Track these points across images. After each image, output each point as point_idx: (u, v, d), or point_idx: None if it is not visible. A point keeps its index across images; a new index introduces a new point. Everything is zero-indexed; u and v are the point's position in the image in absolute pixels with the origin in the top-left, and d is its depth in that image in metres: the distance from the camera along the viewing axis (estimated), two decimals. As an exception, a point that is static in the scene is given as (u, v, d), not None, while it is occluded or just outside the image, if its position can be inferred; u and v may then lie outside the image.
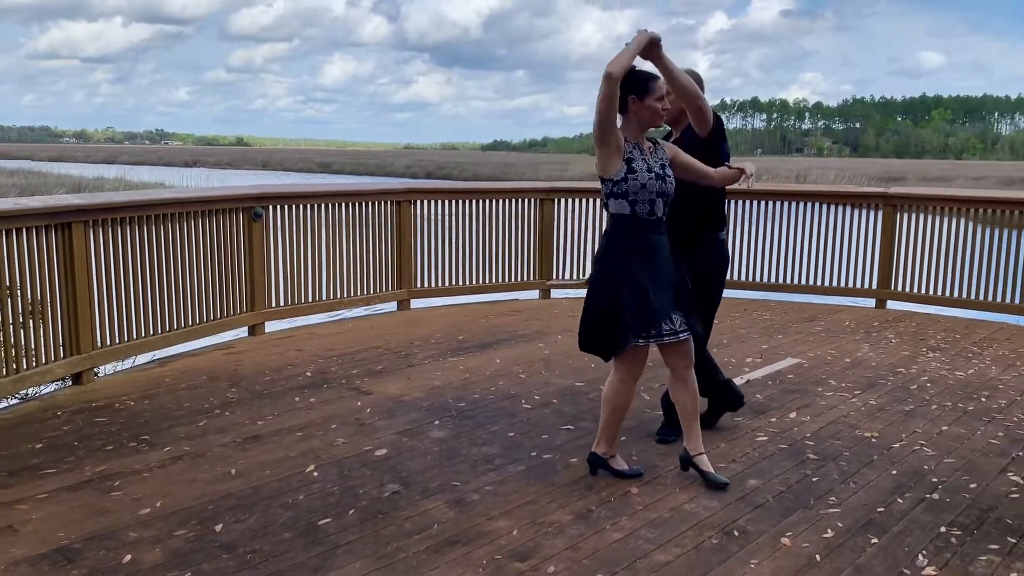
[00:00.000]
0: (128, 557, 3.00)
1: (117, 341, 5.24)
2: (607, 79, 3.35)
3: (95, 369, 5.24)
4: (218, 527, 3.24)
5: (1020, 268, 7.08)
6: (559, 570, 2.94)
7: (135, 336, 5.35)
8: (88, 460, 3.89)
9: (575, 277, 8.00)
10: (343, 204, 6.81)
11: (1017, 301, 7.10)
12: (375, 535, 3.19)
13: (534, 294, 8.01)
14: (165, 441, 4.14)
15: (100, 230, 5.06)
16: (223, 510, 3.39)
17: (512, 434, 4.30)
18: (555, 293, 8.02)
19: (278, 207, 6.37)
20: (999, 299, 7.19)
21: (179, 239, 5.58)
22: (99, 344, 5.13)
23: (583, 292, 8.12)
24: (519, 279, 7.87)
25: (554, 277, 7.96)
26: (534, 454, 4.04)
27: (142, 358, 5.77)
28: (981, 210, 7.44)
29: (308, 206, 6.56)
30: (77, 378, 5.05)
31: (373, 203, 7.03)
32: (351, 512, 3.38)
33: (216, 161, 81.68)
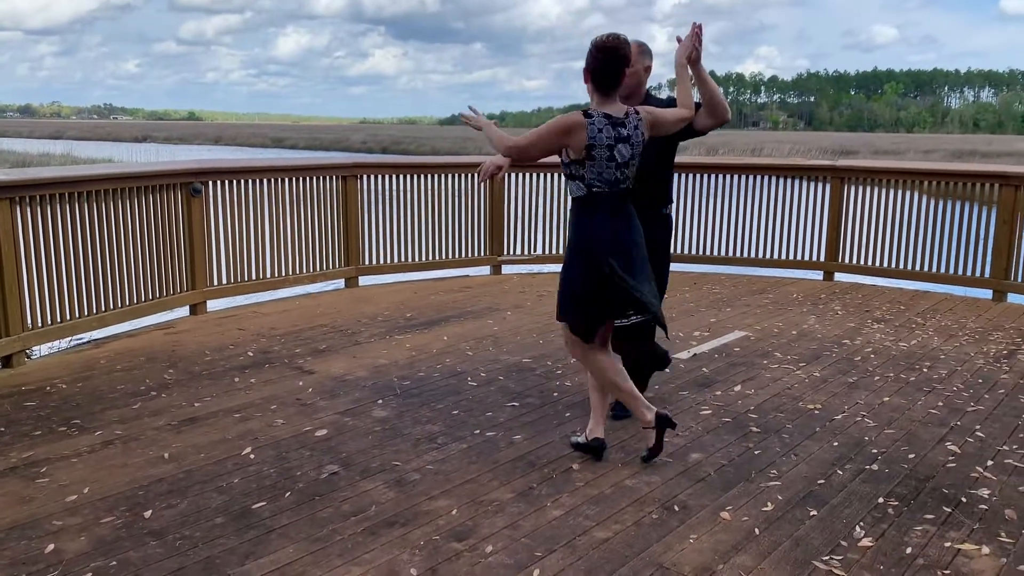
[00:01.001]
0: (51, 547, 2.89)
1: (49, 322, 5.07)
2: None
3: (27, 351, 5.07)
4: (147, 513, 3.14)
5: (964, 239, 7.17)
6: (497, 549, 2.90)
7: (69, 317, 5.18)
8: (15, 446, 3.75)
9: (526, 252, 7.94)
10: (286, 179, 6.64)
11: (960, 272, 7.21)
12: (311, 518, 3.12)
13: (485, 270, 7.94)
14: (97, 425, 4.01)
15: (28, 207, 4.87)
16: (154, 496, 3.29)
17: (456, 412, 4.25)
18: (506, 269, 7.96)
19: (218, 182, 6.20)
20: (943, 270, 7.29)
21: (114, 216, 5.40)
22: (30, 326, 4.96)
23: (534, 268, 8.02)
24: (470, 255, 7.78)
25: (506, 253, 7.89)
26: (477, 432, 3.99)
27: (78, 339, 5.60)
28: (926, 182, 7.53)
29: (249, 181, 6.39)
30: (7, 361, 4.87)
31: (318, 178, 6.88)
32: (287, 495, 3.30)
33: (167, 136, 79.94)
